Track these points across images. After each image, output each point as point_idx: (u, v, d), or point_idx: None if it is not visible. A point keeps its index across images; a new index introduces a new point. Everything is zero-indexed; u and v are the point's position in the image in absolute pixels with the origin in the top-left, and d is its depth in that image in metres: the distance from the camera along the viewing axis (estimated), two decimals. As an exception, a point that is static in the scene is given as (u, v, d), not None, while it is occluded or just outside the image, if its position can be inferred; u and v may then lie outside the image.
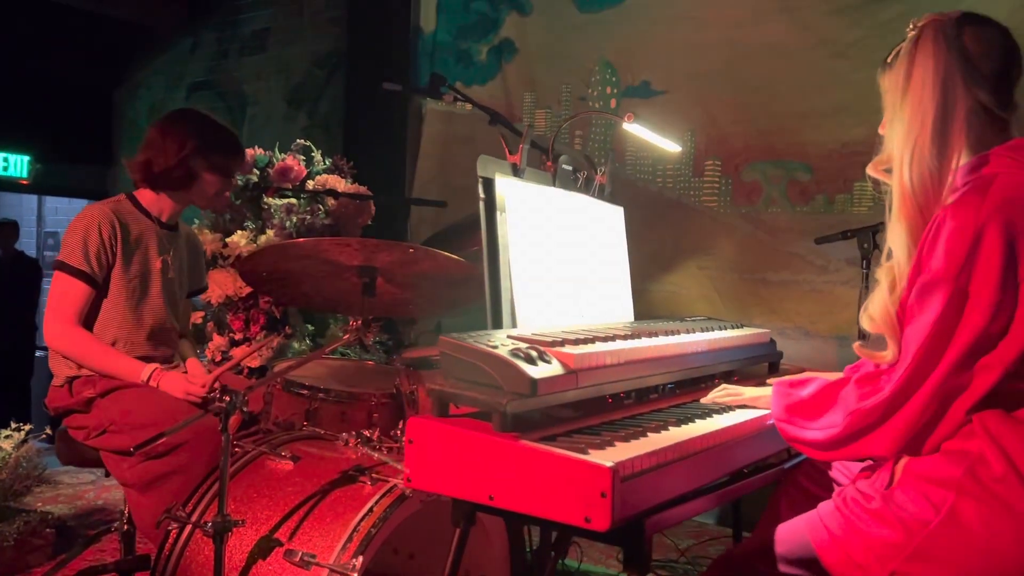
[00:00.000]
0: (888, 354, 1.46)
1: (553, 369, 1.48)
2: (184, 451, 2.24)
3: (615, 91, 4.40)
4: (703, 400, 1.86)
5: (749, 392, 1.83)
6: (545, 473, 1.33)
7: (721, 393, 1.86)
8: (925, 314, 1.38)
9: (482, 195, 1.83)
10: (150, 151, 2.49)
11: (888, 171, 1.51)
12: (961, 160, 1.47)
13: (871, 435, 1.43)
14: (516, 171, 1.94)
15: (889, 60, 1.54)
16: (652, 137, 2.36)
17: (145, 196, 2.55)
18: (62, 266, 2.39)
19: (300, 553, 1.76)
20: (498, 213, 1.82)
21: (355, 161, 3.98)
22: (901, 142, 1.45)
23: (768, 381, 1.84)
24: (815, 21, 3.80)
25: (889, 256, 1.47)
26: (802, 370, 2.12)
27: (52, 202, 9.55)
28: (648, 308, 4.06)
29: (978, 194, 1.39)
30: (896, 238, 1.45)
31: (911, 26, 1.50)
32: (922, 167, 1.42)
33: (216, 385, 2.27)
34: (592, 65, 4.48)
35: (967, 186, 1.44)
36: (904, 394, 1.39)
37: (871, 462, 1.59)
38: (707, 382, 2.03)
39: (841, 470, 1.83)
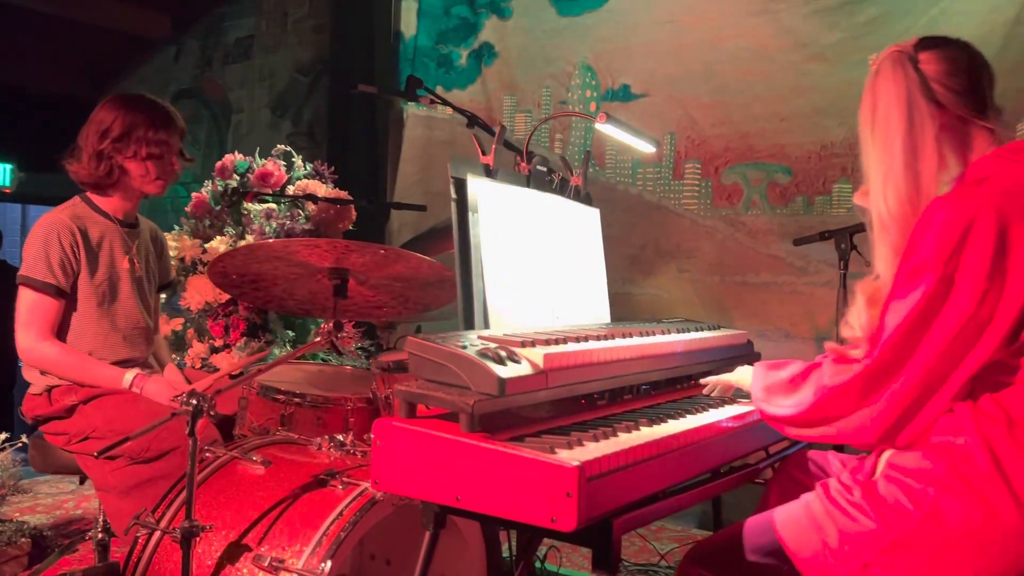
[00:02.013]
0: (860, 352, 1.47)
1: (522, 369, 1.47)
2: (173, 457, 2.22)
3: (595, 95, 4.40)
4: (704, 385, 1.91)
5: (734, 376, 1.85)
6: (511, 473, 1.32)
7: (712, 384, 1.90)
8: (909, 297, 1.39)
9: (454, 195, 1.82)
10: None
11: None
12: (948, 175, 1.53)
13: (849, 417, 1.44)
14: (489, 172, 1.93)
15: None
16: (626, 137, 2.35)
17: (98, 197, 2.50)
18: (26, 280, 2.35)
19: (269, 558, 1.74)
20: (470, 214, 1.82)
21: (340, 167, 3.96)
22: (876, 172, 1.50)
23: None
24: (793, 24, 3.83)
25: (878, 277, 1.51)
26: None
27: (35, 211, 9.50)
28: (629, 312, 4.06)
29: (971, 187, 1.42)
30: (883, 260, 1.49)
31: (871, 61, 1.58)
32: (898, 193, 1.46)
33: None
34: (572, 69, 4.48)
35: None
36: (882, 374, 1.40)
37: (861, 455, 1.59)
38: (683, 383, 2.03)
39: (831, 460, 1.82)
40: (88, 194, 2.51)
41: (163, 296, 2.90)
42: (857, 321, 1.50)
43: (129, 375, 2.35)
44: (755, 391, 1.63)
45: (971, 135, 1.52)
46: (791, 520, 1.52)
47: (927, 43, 1.54)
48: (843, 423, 1.45)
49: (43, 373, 2.41)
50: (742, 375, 1.82)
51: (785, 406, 1.53)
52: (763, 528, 1.57)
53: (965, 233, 1.35)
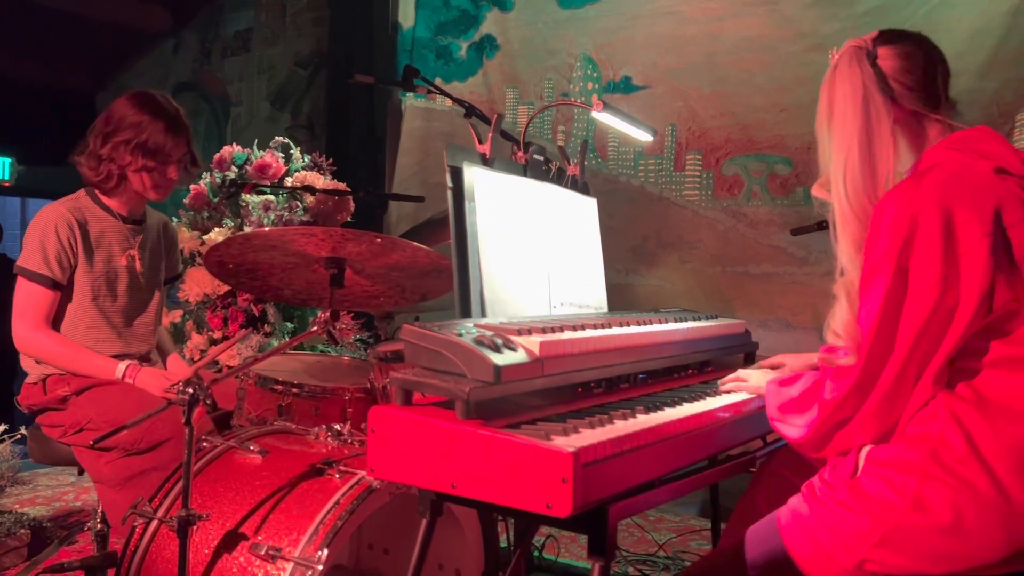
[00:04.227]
0: (849, 360, 1.49)
1: (518, 357, 1.46)
2: (166, 448, 2.22)
3: (596, 86, 4.40)
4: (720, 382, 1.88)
5: (754, 380, 1.83)
6: (506, 460, 1.31)
7: (731, 379, 1.88)
8: (873, 297, 1.41)
9: (450, 184, 1.81)
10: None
11: (831, 190, 1.58)
12: (903, 167, 1.57)
13: (849, 426, 1.45)
14: (485, 160, 1.92)
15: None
16: (623, 126, 2.34)
17: (103, 194, 2.50)
18: (22, 271, 2.36)
19: (265, 546, 1.74)
20: (467, 202, 1.81)
21: (338, 159, 3.95)
22: (835, 166, 1.53)
23: (759, 363, 1.85)
24: (793, 14, 3.82)
25: (843, 272, 1.53)
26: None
27: (35, 204, 9.51)
28: (631, 302, 4.06)
29: (915, 180, 1.46)
30: (844, 254, 1.52)
31: (831, 56, 1.59)
32: (855, 184, 1.50)
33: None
34: (574, 61, 4.48)
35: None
36: (867, 379, 1.42)
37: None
38: (680, 372, 2.02)
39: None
40: (94, 189, 2.50)
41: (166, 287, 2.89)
42: (841, 325, 1.51)
43: (122, 365, 2.35)
44: (770, 411, 1.63)
45: (924, 128, 1.56)
46: (791, 525, 1.51)
47: (885, 38, 1.57)
48: (847, 431, 1.46)
49: (38, 362, 2.41)
50: (760, 385, 1.79)
51: (798, 425, 1.54)
52: (767, 533, 1.56)
53: (912, 225, 1.39)
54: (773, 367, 1.92)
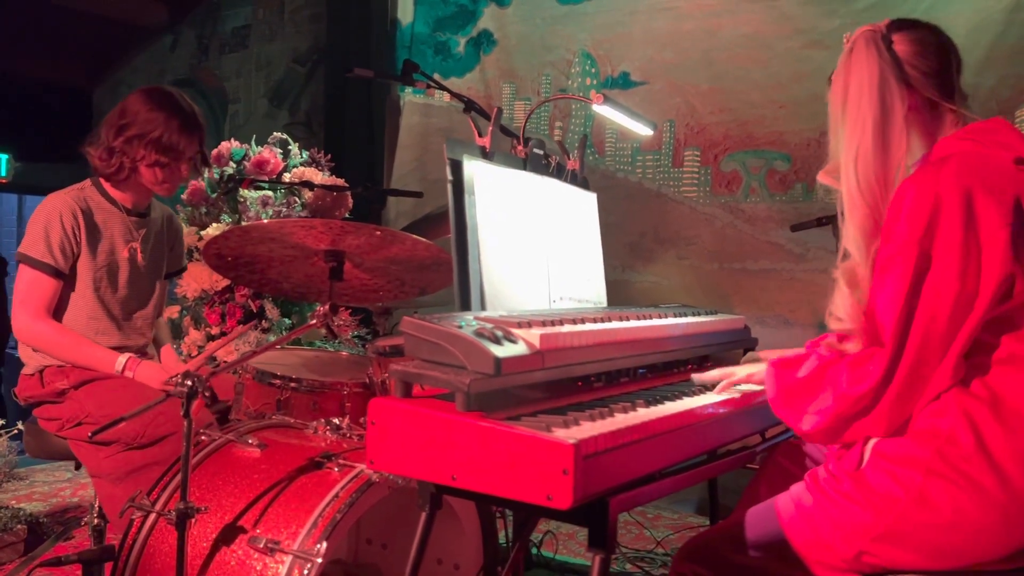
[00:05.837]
0: (853, 347, 1.48)
1: (518, 349, 1.46)
2: (168, 443, 2.22)
3: (594, 82, 4.39)
4: (695, 377, 1.84)
5: (742, 371, 1.79)
6: (507, 452, 1.31)
7: (716, 373, 1.83)
8: (894, 285, 1.39)
9: (450, 177, 1.81)
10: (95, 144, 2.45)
11: (837, 178, 1.57)
12: (912, 158, 1.55)
13: (865, 419, 1.43)
14: (485, 154, 1.92)
15: (832, 76, 1.61)
16: (623, 120, 2.34)
17: (110, 186, 2.50)
18: (25, 258, 2.35)
19: (264, 539, 1.73)
20: (466, 195, 1.81)
21: (337, 155, 3.95)
22: (846, 150, 1.52)
23: (760, 356, 1.84)
24: (792, 10, 3.82)
25: (846, 256, 1.52)
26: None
27: (32, 201, 9.49)
28: (629, 299, 4.06)
29: (934, 167, 1.44)
30: (850, 239, 1.51)
31: (845, 40, 1.58)
32: (867, 170, 1.48)
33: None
34: (572, 56, 4.47)
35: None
36: (892, 370, 1.40)
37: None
38: (680, 367, 2.02)
39: (819, 449, 1.82)
40: (100, 180, 2.50)
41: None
42: (843, 310, 1.50)
43: (122, 359, 2.35)
44: (771, 392, 1.59)
45: (937, 117, 1.55)
46: (791, 511, 1.52)
47: (899, 24, 1.56)
48: (863, 423, 1.44)
49: (35, 351, 2.41)
50: (752, 370, 1.76)
51: (808, 412, 1.50)
52: (766, 516, 1.56)
53: (934, 210, 1.37)
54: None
